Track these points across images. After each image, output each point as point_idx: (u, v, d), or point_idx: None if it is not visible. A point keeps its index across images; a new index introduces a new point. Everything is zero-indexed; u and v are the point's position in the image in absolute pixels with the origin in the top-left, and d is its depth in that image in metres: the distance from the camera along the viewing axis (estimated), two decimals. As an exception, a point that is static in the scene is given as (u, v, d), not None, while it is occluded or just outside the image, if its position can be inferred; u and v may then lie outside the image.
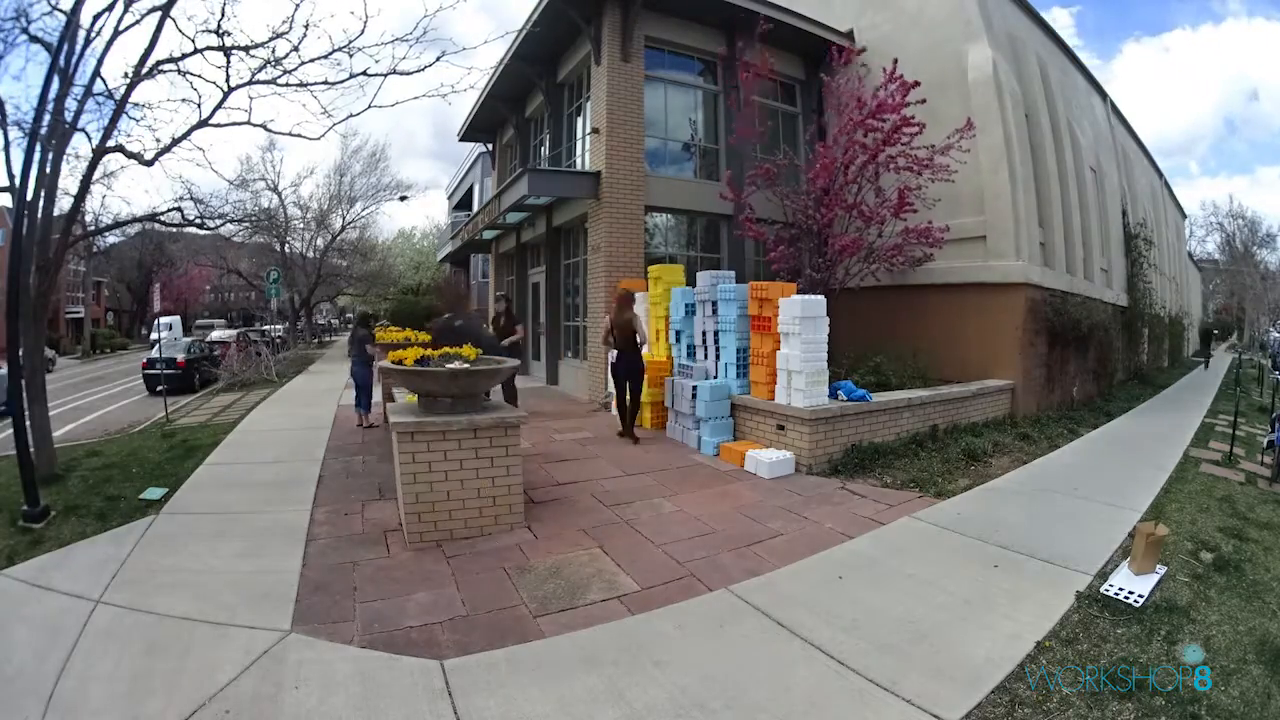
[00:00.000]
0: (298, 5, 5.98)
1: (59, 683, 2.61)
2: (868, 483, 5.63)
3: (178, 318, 25.86)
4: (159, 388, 11.38)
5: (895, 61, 8.35)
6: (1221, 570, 3.73)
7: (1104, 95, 15.14)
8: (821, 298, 6.28)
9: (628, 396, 7.26)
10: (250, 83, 6.20)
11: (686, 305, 7.84)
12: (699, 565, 3.82)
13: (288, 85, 6.21)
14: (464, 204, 26.44)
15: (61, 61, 5.18)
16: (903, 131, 7.98)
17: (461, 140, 18.56)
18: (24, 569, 3.75)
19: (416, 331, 8.29)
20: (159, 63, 5.84)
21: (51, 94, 5.10)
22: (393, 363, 4.40)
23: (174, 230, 23.67)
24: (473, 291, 26.78)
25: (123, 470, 5.84)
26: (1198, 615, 3.20)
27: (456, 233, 21.28)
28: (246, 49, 6.03)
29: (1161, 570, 3.62)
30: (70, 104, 5.42)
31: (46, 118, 5.04)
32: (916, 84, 8.01)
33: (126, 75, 5.76)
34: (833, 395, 6.37)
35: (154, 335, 13.13)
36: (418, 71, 6.18)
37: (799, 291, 6.74)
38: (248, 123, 6.52)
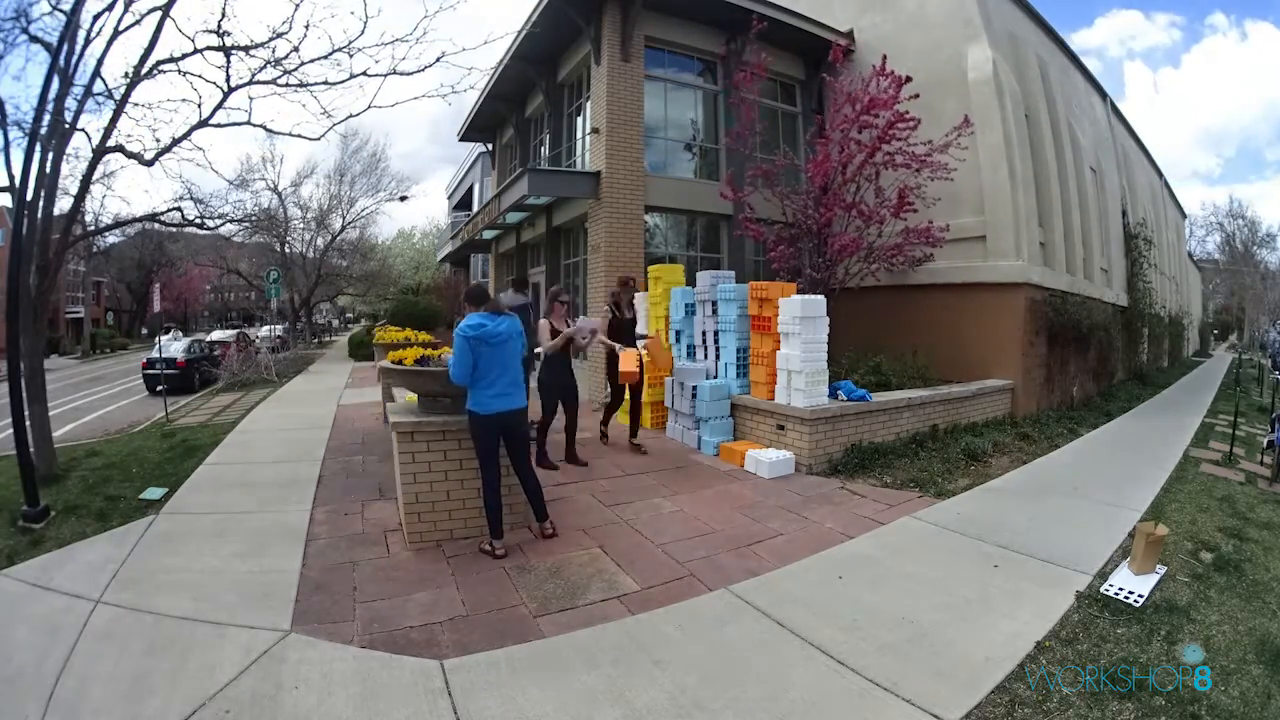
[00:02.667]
0: (298, 5, 5.98)
1: (59, 682, 2.61)
2: (868, 482, 5.63)
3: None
4: (159, 388, 11.40)
5: (885, 57, 8.34)
6: (1221, 570, 3.73)
7: (1104, 95, 15.14)
8: (821, 297, 6.28)
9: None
10: (250, 83, 6.20)
11: (686, 305, 7.84)
12: (699, 565, 3.82)
13: (288, 85, 6.22)
14: (464, 204, 26.44)
15: (61, 61, 5.18)
16: (897, 128, 7.97)
17: (461, 140, 18.57)
18: (24, 569, 3.75)
19: (417, 331, 8.27)
20: (159, 63, 5.85)
21: (51, 94, 5.10)
22: (393, 363, 4.39)
23: (174, 230, 23.67)
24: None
25: (122, 470, 5.84)
26: (1198, 615, 3.20)
27: (456, 233, 21.29)
28: (246, 49, 6.03)
29: (1161, 570, 3.62)
30: (70, 104, 5.42)
31: (46, 118, 5.04)
32: (909, 79, 7.99)
33: (126, 75, 5.76)
34: (833, 395, 6.37)
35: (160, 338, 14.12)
36: (418, 72, 6.19)
37: (799, 291, 6.74)
38: (248, 123, 6.52)
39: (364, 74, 6.28)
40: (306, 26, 5.98)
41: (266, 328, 23.24)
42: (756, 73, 8.63)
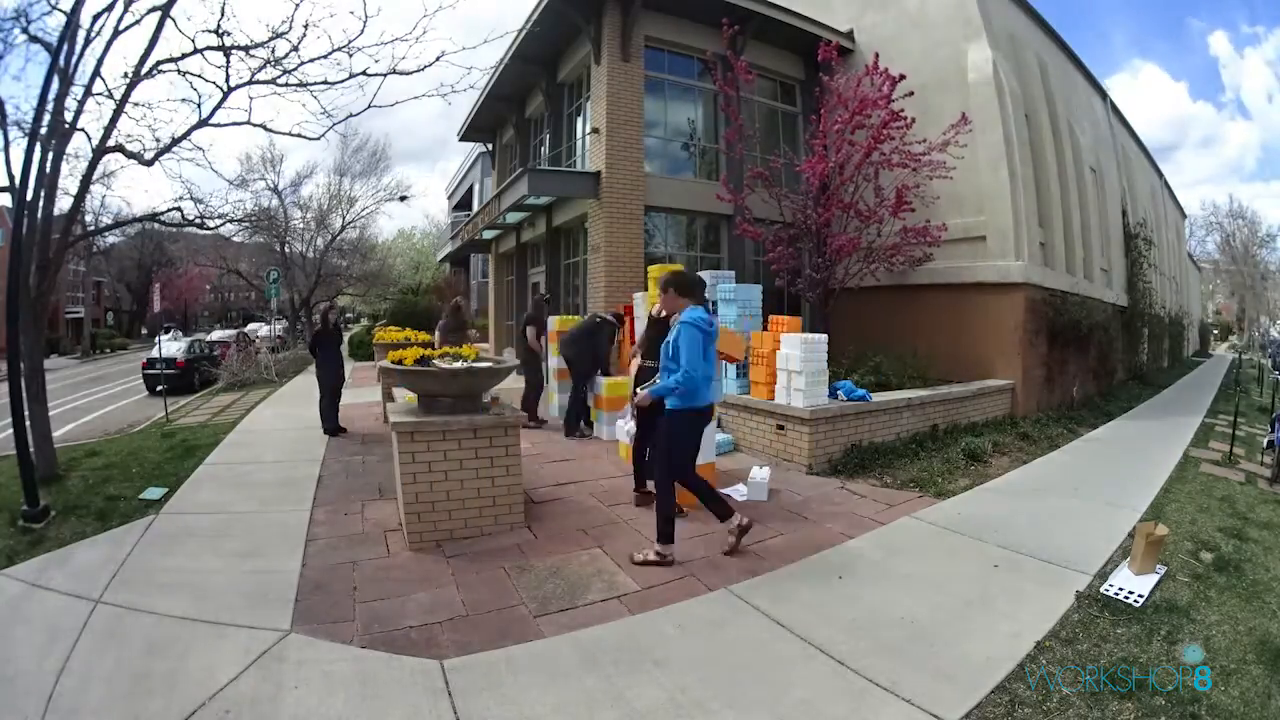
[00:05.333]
0: (298, 5, 5.98)
1: (59, 682, 2.61)
2: (868, 482, 5.63)
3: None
4: (159, 388, 11.42)
5: (876, 56, 8.36)
6: (1221, 570, 3.73)
7: (1104, 95, 15.15)
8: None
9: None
10: (250, 83, 6.20)
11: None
12: (699, 565, 3.81)
13: (287, 85, 6.21)
14: (464, 204, 26.46)
15: (61, 61, 5.18)
16: (891, 127, 7.96)
17: (461, 140, 18.57)
18: (24, 569, 3.74)
19: (417, 331, 8.27)
20: (159, 63, 5.84)
21: (51, 94, 5.09)
22: (393, 363, 4.40)
23: (174, 230, 23.63)
24: (473, 291, 26.79)
25: (122, 470, 5.84)
26: (1198, 615, 3.20)
27: (456, 233, 21.32)
28: (246, 49, 6.03)
29: (1161, 570, 3.62)
30: (70, 104, 5.42)
31: (46, 118, 5.04)
32: (902, 77, 8.00)
33: (126, 75, 5.76)
34: (833, 395, 6.37)
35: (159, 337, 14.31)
36: (417, 71, 6.18)
37: (798, 291, 6.74)
38: (248, 123, 6.52)
39: (364, 74, 6.28)
40: (306, 26, 5.98)
41: (266, 327, 23.25)
42: (743, 78, 8.63)
